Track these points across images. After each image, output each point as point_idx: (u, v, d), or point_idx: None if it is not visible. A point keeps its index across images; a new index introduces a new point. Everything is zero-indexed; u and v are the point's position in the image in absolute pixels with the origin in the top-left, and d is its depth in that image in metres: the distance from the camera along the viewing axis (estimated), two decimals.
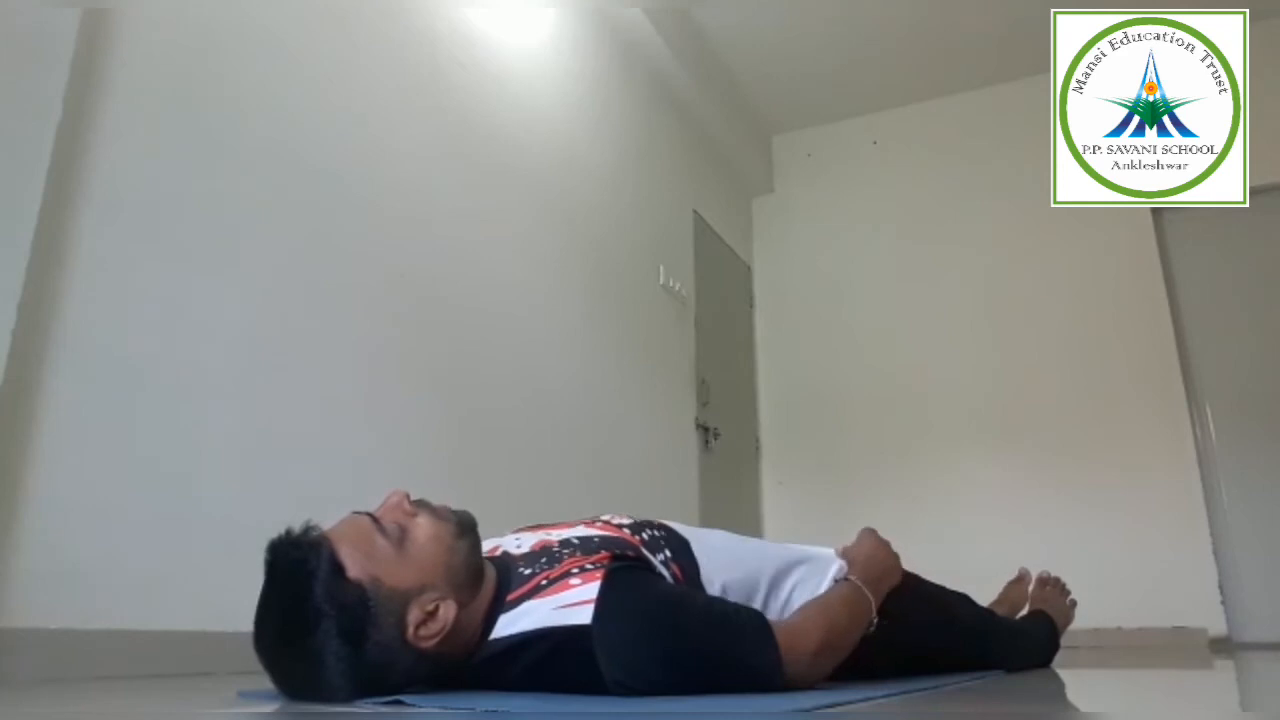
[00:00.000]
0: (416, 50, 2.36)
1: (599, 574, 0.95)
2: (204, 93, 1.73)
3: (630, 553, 1.04)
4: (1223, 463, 3.54)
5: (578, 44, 3.21)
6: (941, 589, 1.53)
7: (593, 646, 0.89)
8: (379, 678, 0.89)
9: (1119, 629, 3.36)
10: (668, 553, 1.12)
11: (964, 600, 1.59)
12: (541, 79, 2.95)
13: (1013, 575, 2.01)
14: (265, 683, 0.91)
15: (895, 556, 1.29)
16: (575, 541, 1.05)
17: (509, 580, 1.00)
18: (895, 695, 1.04)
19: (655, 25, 3.47)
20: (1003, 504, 3.72)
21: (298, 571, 0.87)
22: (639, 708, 0.85)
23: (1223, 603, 3.33)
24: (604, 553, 1.00)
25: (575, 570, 0.97)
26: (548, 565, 1.00)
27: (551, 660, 0.93)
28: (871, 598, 1.16)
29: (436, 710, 0.82)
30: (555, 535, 1.09)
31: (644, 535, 1.13)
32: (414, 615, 0.90)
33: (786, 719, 0.80)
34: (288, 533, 0.90)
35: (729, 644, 0.96)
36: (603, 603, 0.91)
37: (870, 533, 1.32)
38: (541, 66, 2.96)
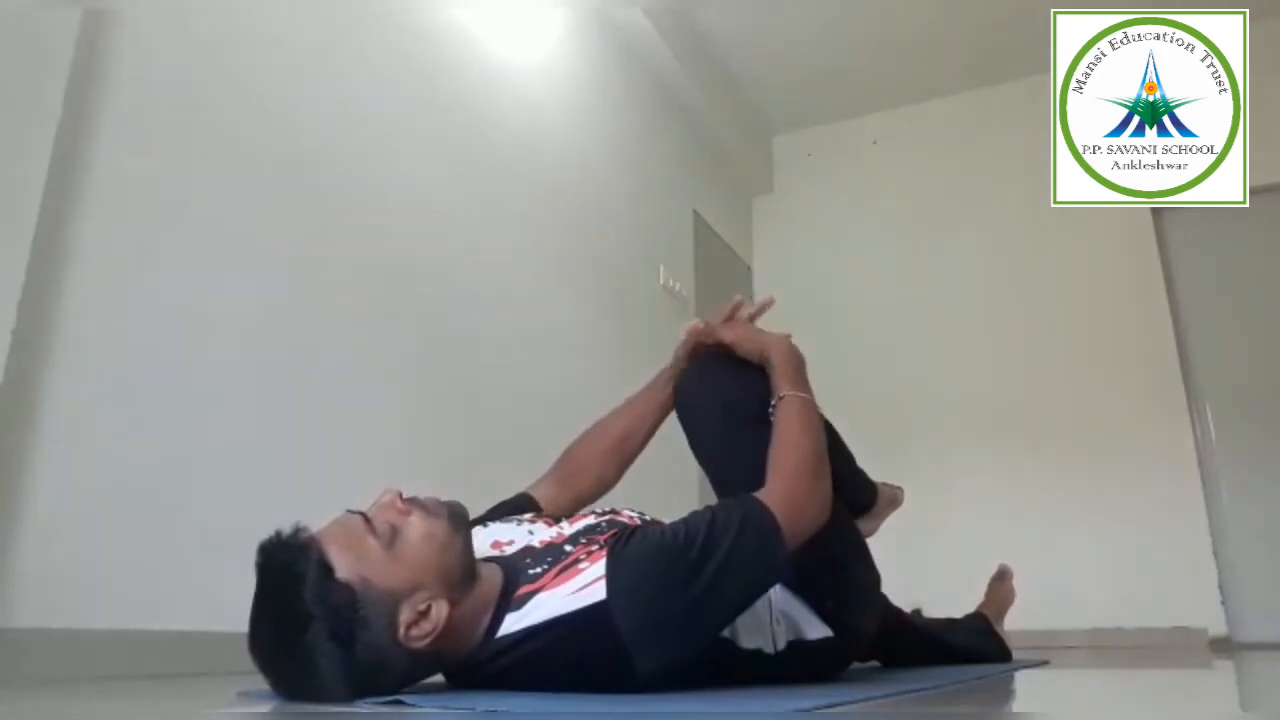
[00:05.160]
0: (418, 52, 2.36)
1: (603, 552, 0.97)
2: (204, 93, 1.73)
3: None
4: (1223, 462, 3.54)
5: (578, 44, 3.21)
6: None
7: (612, 620, 0.90)
8: (373, 678, 0.89)
9: (1119, 629, 3.36)
10: None
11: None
12: (542, 79, 2.95)
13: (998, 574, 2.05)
14: (265, 683, 0.91)
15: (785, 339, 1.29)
16: (584, 529, 1.08)
17: (517, 578, 1.00)
18: (895, 695, 1.04)
19: (656, 25, 3.46)
20: (1002, 504, 3.72)
21: (286, 574, 0.87)
22: (639, 707, 0.85)
23: (1223, 603, 3.32)
24: (611, 532, 1.02)
25: (583, 556, 0.98)
26: (555, 561, 1.01)
27: (569, 646, 0.93)
28: (810, 396, 1.19)
29: (436, 710, 0.82)
30: (567, 529, 1.11)
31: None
32: (405, 616, 0.89)
33: (786, 719, 0.80)
34: (277, 535, 0.90)
35: (739, 551, 0.97)
36: (612, 565, 0.94)
37: (757, 332, 1.33)
38: (542, 67, 2.96)
